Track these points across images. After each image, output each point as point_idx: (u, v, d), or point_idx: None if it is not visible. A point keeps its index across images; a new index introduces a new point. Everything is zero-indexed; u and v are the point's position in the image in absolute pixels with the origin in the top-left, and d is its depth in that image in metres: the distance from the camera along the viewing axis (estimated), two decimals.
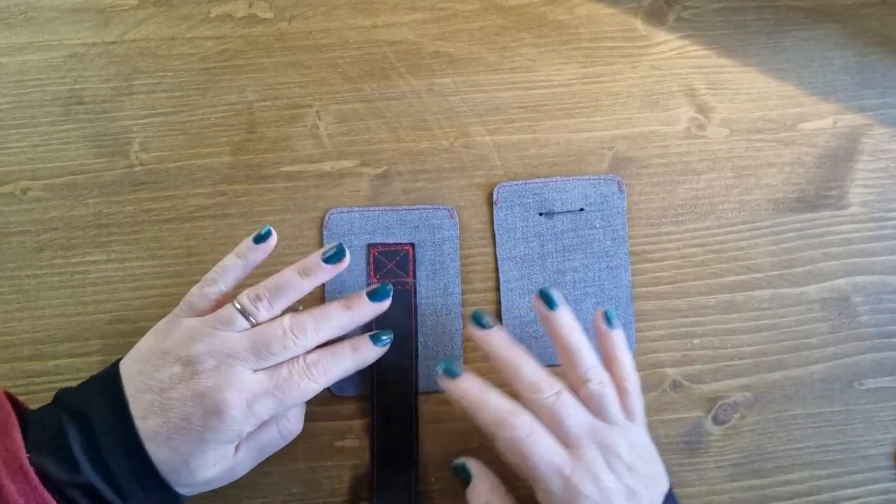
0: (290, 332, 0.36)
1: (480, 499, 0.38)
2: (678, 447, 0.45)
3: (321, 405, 0.44)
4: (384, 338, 0.40)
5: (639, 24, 0.48)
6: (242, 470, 0.38)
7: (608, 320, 0.40)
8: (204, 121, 0.46)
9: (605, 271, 0.45)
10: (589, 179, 0.46)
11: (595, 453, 0.36)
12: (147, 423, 0.34)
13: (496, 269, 0.45)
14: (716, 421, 0.45)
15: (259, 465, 0.44)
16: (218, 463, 0.36)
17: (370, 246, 0.44)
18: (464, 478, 0.39)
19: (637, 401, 0.39)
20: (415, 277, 0.44)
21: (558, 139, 0.46)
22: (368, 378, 0.43)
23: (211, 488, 0.37)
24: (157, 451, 0.34)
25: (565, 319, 0.39)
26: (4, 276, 0.44)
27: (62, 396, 0.36)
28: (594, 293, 0.45)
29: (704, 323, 0.46)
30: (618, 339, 0.40)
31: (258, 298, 0.37)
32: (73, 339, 0.44)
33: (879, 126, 0.47)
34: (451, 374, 0.38)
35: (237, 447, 0.37)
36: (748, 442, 0.45)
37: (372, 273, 0.44)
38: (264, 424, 0.37)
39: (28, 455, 0.33)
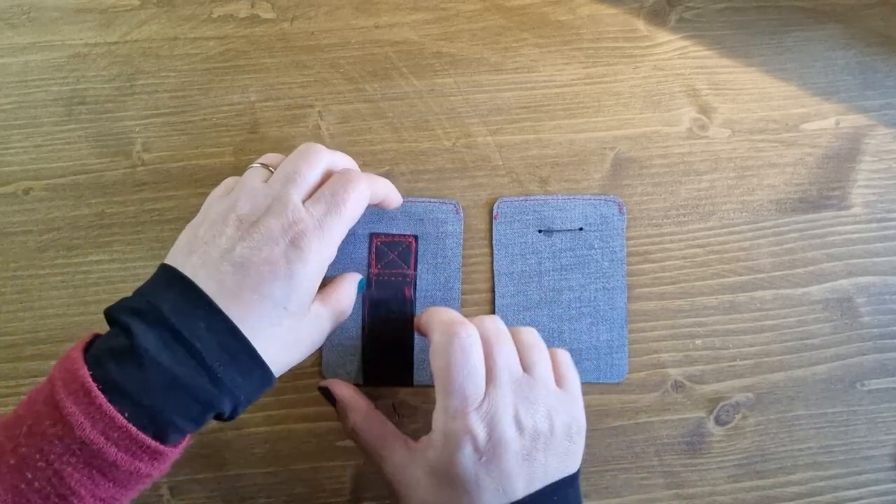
0: (305, 154, 0.36)
1: (347, 419, 0.38)
2: (680, 448, 0.45)
3: (323, 405, 0.44)
4: None
5: (641, 25, 0.48)
6: (320, 338, 0.37)
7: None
8: (206, 121, 0.46)
9: (601, 292, 0.45)
10: (590, 199, 0.46)
11: (508, 400, 0.34)
12: (224, 290, 0.32)
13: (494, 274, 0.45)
14: (718, 421, 0.45)
15: (261, 465, 0.44)
16: (302, 314, 0.35)
17: (373, 235, 0.45)
18: (329, 400, 0.40)
19: (570, 370, 0.38)
20: (416, 270, 0.44)
21: (560, 139, 0.46)
22: (362, 369, 0.44)
23: (295, 360, 0.35)
24: (239, 315, 0.32)
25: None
26: (7, 276, 0.44)
27: (113, 309, 0.33)
28: (589, 313, 0.45)
29: (706, 323, 0.46)
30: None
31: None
32: (75, 338, 0.44)
33: (882, 126, 0.47)
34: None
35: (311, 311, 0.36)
36: (750, 443, 0.45)
37: (373, 262, 0.44)
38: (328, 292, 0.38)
39: (91, 372, 0.30)
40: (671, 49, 0.47)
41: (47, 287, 0.44)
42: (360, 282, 0.42)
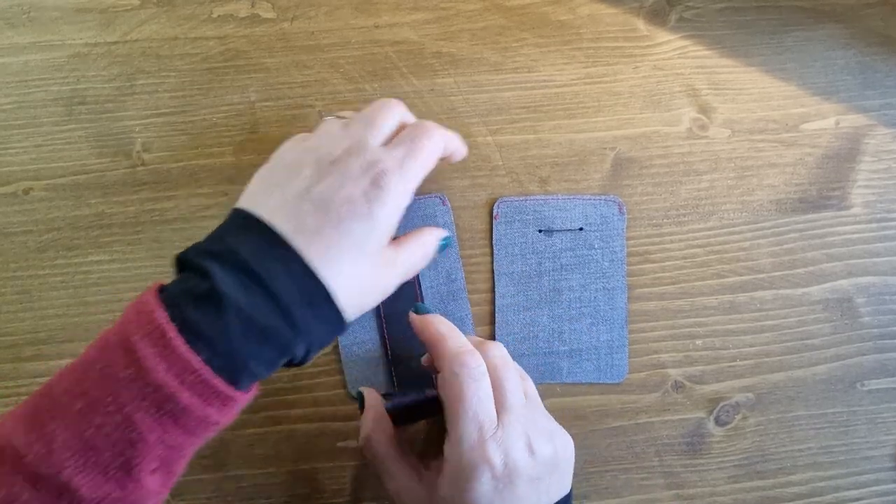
0: (382, 107, 0.37)
1: (366, 427, 0.38)
2: (680, 448, 0.45)
3: (324, 406, 0.44)
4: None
5: (641, 25, 0.48)
6: (389, 287, 0.36)
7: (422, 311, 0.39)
8: (206, 121, 0.46)
9: (601, 292, 0.45)
10: (590, 199, 0.45)
11: (520, 426, 0.35)
12: (303, 230, 0.32)
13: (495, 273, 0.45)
14: (718, 422, 0.45)
15: (261, 465, 0.44)
16: (378, 258, 0.34)
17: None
18: (360, 405, 0.40)
19: (532, 386, 0.39)
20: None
21: (560, 139, 0.46)
22: (393, 381, 0.44)
23: (365, 307, 0.35)
24: (317, 255, 0.32)
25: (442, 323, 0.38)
26: (7, 277, 0.44)
27: (188, 253, 0.32)
28: (589, 313, 0.45)
29: (706, 323, 0.46)
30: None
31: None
32: (75, 339, 0.44)
33: (882, 126, 0.47)
34: (422, 311, 0.38)
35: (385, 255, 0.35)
36: (750, 443, 0.45)
37: None
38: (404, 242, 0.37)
39: (168, 314, 0.29)
40: (671, 49, 0.47)
41: (47, 287, 0.44)
42: (446, 240, 0.40)
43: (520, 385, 0.37)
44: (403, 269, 0.37)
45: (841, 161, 0.47)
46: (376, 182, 0.33)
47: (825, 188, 0.47)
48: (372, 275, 0.34)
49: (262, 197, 0.33)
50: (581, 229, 0.45)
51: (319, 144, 0.35)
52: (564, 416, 0.45)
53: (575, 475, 0.44)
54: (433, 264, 0.44)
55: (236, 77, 0.46)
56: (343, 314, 0.33)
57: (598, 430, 0.45)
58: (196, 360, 0.28)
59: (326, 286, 0.32)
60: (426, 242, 0.39)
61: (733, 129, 0.47)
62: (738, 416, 0.45)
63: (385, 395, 0.40)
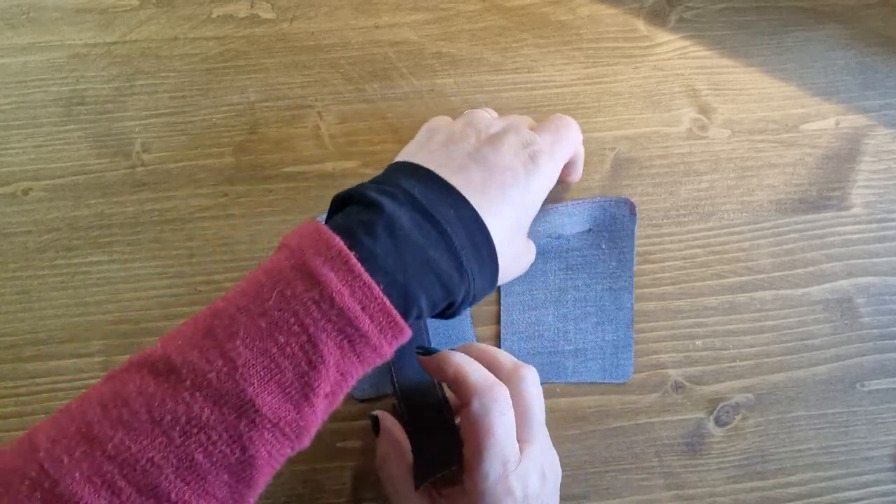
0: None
1: (382, 447, 0.39)
2: (679, 448, 0.45)
3: None
4: None
5: (640, 25, 0.48)
6: (522, 268, 0.40)
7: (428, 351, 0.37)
8: (206, 121, 0.46)
9: (607, 293, 0.45)
10: (599, 201, 0.45)
11: (539, 459, 0.35)
12: (471, 185, 0.33)
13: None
14: (717, 422, 0.45)
15: None
16: (525, 233, 0.37)
17: None
18: (374, 429, 0.40)
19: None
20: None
21: None
22: (387, 377, 0.43)
23: (508, 276, 0.37)
24: (485, 209, 0.33)
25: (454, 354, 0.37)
26: (6, 277, 0.44)
27: (356, 189, 0.32)
28: (594, 313, 0.45)
29: (706, 324, 0.45)
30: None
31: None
32: (74, 339, 0.44)
33: (882, 127, 0.47)
34: (427, 352, 0.37)
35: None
36: (750, 443, 0.45)
37: None
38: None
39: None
40: (671, 49, 0.47)
41: (47, 288, 0.44)
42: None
43: (544, 413, 0.37)
44: (530, 260, 0.40)
45: (841, 161, 0.47)
46: (534, 158, 0.35)
47: (825, 188, 0.47)
48: (518, 246, 0.37)
49: (426, 154, 0.35)
50: (590, 230, 0.45)
51: (478, 121, 0.38)
52: (564, 417, 0.45)
53: (575, 476, 0.44)
54: None
55: (236, 77, 0.46)
56: (498, 271, 0.34)
57: (598, 431, 0.45)
58: (377, 289, 0.28)
59: (492, 240, 0.33)
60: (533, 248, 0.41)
61: (733, 129, 0.47)
62: (738, 417, 0.45)
63: (403, 420, 0.39)
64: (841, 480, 0.45)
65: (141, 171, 0.45)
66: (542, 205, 0.44)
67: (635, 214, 0.45)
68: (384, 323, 0.29)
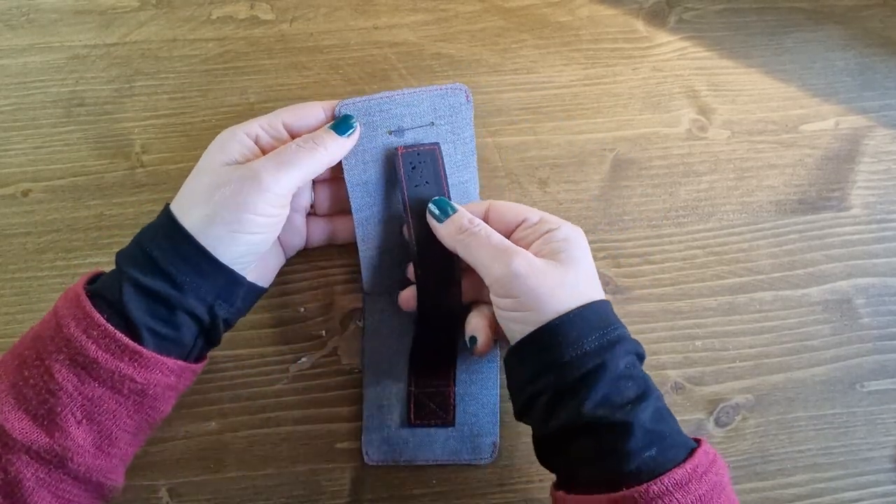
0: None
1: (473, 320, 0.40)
2: None
3: (323, 407, 0.44)
4: (351, 123, 0.40)
5: (640, 26, 0.48)
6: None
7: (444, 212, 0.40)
8: (205, 122, 0.46)
9: (455, 187, 0.42)
10: (436, 90, 0.43)
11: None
12: (192, 216, 0.35)
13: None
14: (717, 423, 0.45)
15: (259, 467, 0.44)
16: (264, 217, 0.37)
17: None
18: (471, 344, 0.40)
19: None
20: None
21: (559, 141, 0.46)
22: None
23: (256, 254, 0.37)
24: (200, 227, 0.35)
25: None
26: (6, 278, 0.44)
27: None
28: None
29: (706, 325, 0.45)
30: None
31: None
32: None
33: (881, 128, 0.47)
34: (445, 212, 0.39)
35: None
36: (750, 444, 0.45)
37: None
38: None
39: (86, 287, 0.35)
40: (670, 50, 0.47)
41: (46, 289, 0.44)
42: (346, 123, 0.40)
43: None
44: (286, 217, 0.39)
45: (840, 162, 0.47)
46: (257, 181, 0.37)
47: (825, 189, 0.47)
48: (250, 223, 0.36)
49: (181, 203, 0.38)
50: (432, 124, 0.43)
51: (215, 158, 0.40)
52: None
53: None
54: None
55: (235, 78, 0.46)
56: (238, 277, 0.36)
57: None
58: (97, 317, 0.33)
59: (204, 249, 0.35)
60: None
61: (733, 130, 0.47)
62: (738, 418, 0.45)
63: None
64: (841, 481, 0.45)
65: (140, 173, 0.45)
66: (377, 95, 0.42)
67: (470, 101, 0.43)
68: (113, 346, 0.33)
